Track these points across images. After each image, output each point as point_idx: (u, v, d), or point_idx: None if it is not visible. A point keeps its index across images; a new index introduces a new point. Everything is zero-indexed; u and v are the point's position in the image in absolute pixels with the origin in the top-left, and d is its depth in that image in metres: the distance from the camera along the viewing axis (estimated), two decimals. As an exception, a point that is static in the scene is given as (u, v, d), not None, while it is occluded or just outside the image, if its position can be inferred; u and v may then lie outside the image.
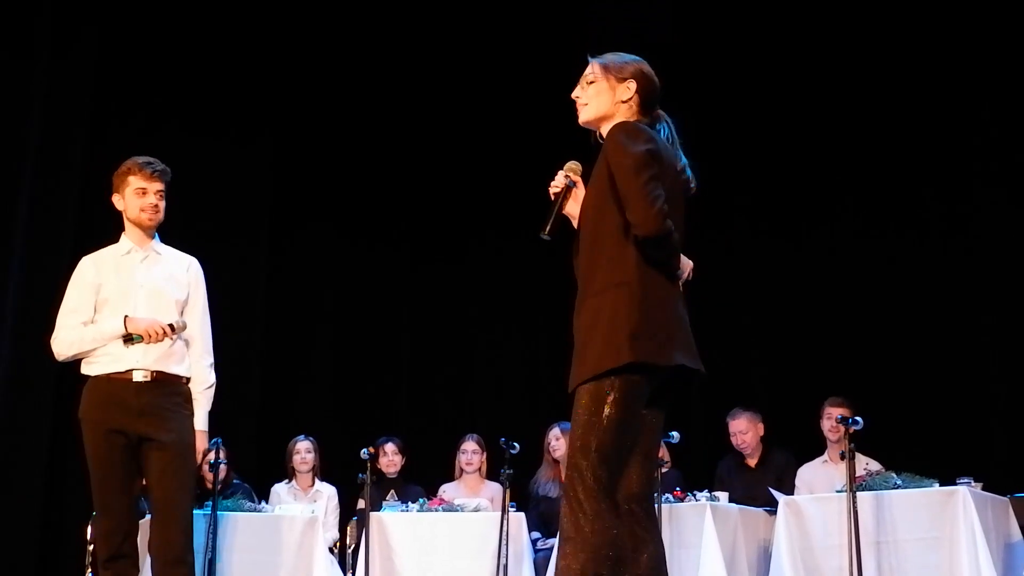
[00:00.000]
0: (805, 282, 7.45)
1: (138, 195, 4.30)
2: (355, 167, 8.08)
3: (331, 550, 6.42)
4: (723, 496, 5.51)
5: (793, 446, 6.47)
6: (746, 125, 7.68)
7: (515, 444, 5.72)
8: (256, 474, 6.90)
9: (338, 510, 6.87)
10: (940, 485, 5.03)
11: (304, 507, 5.82)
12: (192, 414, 4.28)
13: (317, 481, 6.83)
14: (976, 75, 7.06)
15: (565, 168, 3.20)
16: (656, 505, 5.11)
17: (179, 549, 4.04)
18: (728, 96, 7.70)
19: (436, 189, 8.15)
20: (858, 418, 5.02)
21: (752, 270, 7.63)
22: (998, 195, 7.02)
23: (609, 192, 2.99)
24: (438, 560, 5.63)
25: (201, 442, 4.30)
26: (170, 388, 4.23)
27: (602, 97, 3.19)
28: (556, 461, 6.66)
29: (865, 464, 5.50)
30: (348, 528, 6.65)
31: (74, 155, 7.05)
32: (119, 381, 4.17)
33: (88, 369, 4.26)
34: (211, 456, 4.41)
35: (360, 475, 5.82)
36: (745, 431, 6.45)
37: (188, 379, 4.32)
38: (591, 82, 3.21)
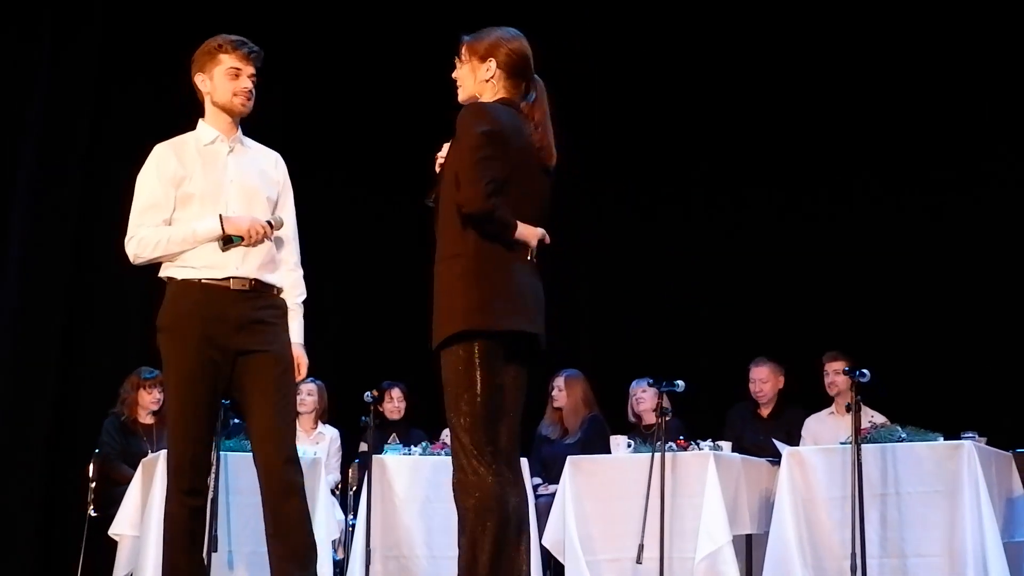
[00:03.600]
0: (810, 238, 7.44)
1: (230, 76, 3.77)
2: (363, 118, 8.02)
3: (333, 492, 6.44)
4: (726, 446, 5.51)
5: (800, 402, 6.48)
6: (745, 85, 7.62)
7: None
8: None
9: (340, 452, 6.89)
10: (945, 439, 5.02)
11: (306, 449, 5.83)
12: (287, 328, 3.83)
13: (320, 424, 6.83)
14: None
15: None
16: (660, 454, 5.20)
17: (281, 472, 3.63)
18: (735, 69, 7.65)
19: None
20: (864, 370, 5.00)
21: (762, 228, 7.63)
22: (996, 149, 6.99)
23: (454, 169, 3.17)
24: (439, 504, 5.64)
25: (304, 356, 3.88)
26: (268, 299, 3.79)
27: (468, 78, 3.31)
28: (557, 409, 6.68)
29: (870, 417, 5.49)
30: (350, 470, 6.67)
31: (80, 136, 7.01)
32: (216, 289, 3.69)
33: (174, 272, 3.74)
34: (305, 371, 3.91)
35: (363, 418, 5.81)
36: (765, 380, 6.48)
37: (280, 289, 3.86)
38: (461, 62, 3.31)
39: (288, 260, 3.90)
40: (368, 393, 5.79)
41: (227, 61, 3.77)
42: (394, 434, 6.54)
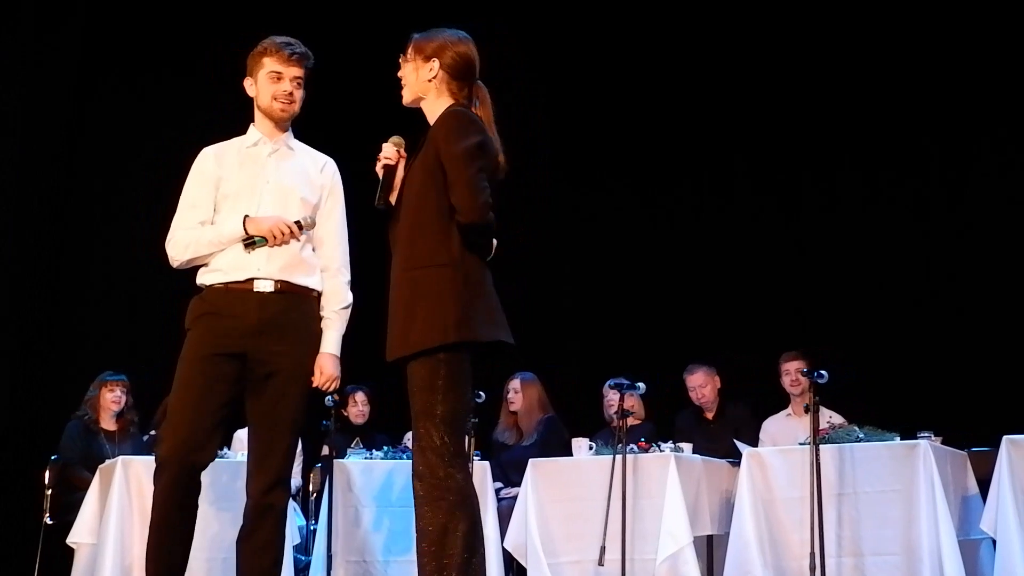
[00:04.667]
0: (766, 240, 7.52)
1: (272, 80, 3.71)
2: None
3: (294, 497, 6.40)
4: (687, 447, 5.55)
5: (751, 401, 6.54)
6: (720, 78, 7.67)
7: (480, 393, 5.71)
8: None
9: (302, 457, 6.85)
10: (901, 439, 5.09)
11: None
12: (319, 334, 3.71)
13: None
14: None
15: (393, 142, 3.31)
16: (622, 456, 5.23)
17: (266, 492, 3.58)
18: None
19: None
20: (823, 371, 5.06)
21: (712, 228, 7.71)
22: (949, 149, 7.10)
23: (434, 176, 3.14)
24: (401, 508, 5.63)
25: (331, 367, 3.70)
26: (298, 302, 3.66)
27: (411, 77, 3.30)
28: (512, 413, 6.69)
29: (828, 417, 5.55)
30: (311, 475, 6.64)
31: (57, 135, 6.96)
32: (238, 292, 3.61)
33: (203, 278, 3.69)
34: (336, 386, 3.74)
35: (324, 422, 5.79)
36: (703, 385, 6.52)
37: (319, 294, 3.74)
38: (405, 61, 3.31)
39: (330, 265, 3.78)
40: (329, 397, 5.75)
41: (269, 64, 3.72)
42: (357, 439, 6.53)
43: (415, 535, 3.15)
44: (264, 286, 3.62)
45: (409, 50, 3.33)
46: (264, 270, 3.63)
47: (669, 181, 7.90)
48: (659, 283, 7.67)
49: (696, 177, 7.85)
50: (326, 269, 3.77)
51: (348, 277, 3.83)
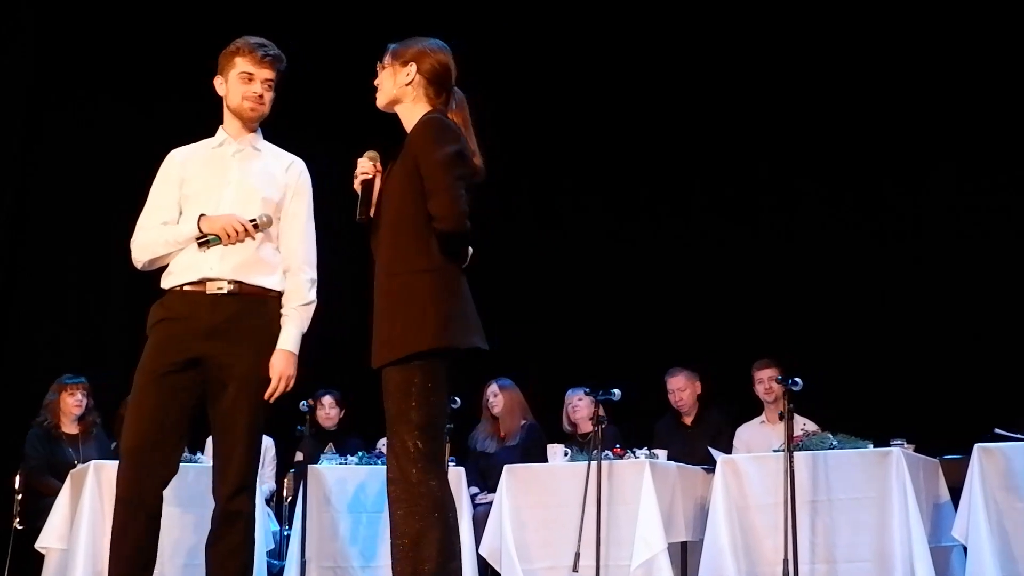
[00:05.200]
0: (740, 248, 7.57)
1: (243, 80, 3.66)
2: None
3: (268, 502, 6.38)
4: (662, 454, 5.56)
5: (729, 408, 6.56)
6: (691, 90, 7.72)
7: (456, 398, 5.70)
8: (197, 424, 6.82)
9: (275, 462, 6.83)
10: (874, 447, 5.12)
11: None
12: (274, 335, 3.60)
13: (255, 433, 6.75)
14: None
15: (368, 156, 3.33)
16: (597, 462, 5.24)
17: (227, 500, 3.52)
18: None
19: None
20: (797, 379, 5.08)
21: (684, 238, 7.76)
22: (927, 163, 7.16)
23: (413, 183, 3.16)
24: (376, 513, 5.61)
25: (284, 364, 3.57)
26: (254, 304, 3.58)
27: (388, 82, 3.33)
28: (494, 417, 6.69)
29: (802, 425, 5.58)
30: (285, 480, 6.61)
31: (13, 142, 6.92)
32: (191, 295, 3.54)
33: (164, 282, 3.63)
34: (291, 384, 3.61)
35: (299, 427, 5.77)
36: (683, 388, 6.53)
37: (279, 294, 3.64)
38: (382, 67, 3.34)
39: (292, 264, 3.69)
40: (304, 402, 5.75)
41: (241, 64, 3.67)
42: (331, 444, 6.50)
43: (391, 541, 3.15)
44: (217, 287, 3.55)
45: (386, 57, 3.35)
46: (217, 270, 3.56)
47: (641, 190, 7.94)
48: (630, 292, 7.69)
49: (667, 186, 7.88)
50: (288, 268, 3.69)
51: (311, 276, 3.73)
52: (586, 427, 6.36)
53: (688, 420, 6.60)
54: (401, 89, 3.31)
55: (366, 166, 3.32)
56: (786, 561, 4.81)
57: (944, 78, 7.07)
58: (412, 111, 3.32)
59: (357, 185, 3.31)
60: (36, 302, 7.29)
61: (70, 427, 6.24)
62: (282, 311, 3.65)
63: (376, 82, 3.37)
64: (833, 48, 7.36)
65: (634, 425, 6.58)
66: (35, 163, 7.35)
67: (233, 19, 7.13)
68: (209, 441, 6.42)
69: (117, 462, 3.61)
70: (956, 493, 5.11)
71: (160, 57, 7.36)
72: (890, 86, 7.23)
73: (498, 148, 7.35)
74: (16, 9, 7.16)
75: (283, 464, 6.80)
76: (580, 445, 5.88)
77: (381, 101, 3.36)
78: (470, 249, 3.30)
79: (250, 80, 3.68)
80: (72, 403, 6.18)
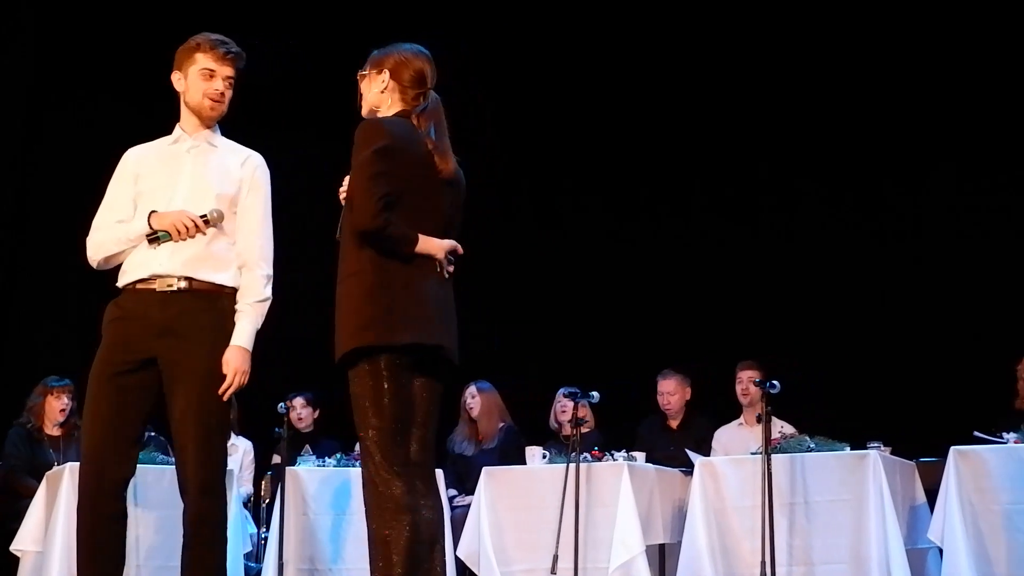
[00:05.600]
0: (722, 252, 7.60)
1: (204, 77, 3.60)
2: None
3: (245, 505, 6.35)
4: (640, 456, 5.57)
5: (709, 410, 6.58)
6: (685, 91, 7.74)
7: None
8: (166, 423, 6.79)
9: (253, 465, 6.80)
10: (851, 449, 5.14)
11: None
12: (228, 332, 3.53)
13: (233, 435, 6.73)
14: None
15: None
16: (575, 464, 5.24)
17: (190, 504, 3.48)
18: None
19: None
20: (775, 381, 5.10)
21: (669, 241, 7.77)
22: (901, 167, 7.22)
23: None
24: (353, 515, 5.60)
25: (237, 360, 3.49)
26: (206, 300, 3.52)
27: (367, 90, 3.36)
28: (472, 420, 6.68)
29: (780, 427, 5.60)
30: (263, 483, 6.59)
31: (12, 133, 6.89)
32: (142, 292, 3.49)
33: (119, 280, 3.57)
34: (245, 380, 3.53)
35: (276, 429, 5.75)
36: (673, 392, 6.54)
37: (233, 290, 3.58)
38: (363, 76, 3.37)
39: (247, 260, 3.62)
40: (282, 404, 5.74)
41: (202, 61, 3.62)
42: (307, 445, 6.48)
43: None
44: (167, 284, 3.50)
45: (367, 65, 3.38)
46: (166, 266, 3.50)
47: (640, 191, 7.95)
48: (623, 292, 7.70)
49: (654, 189, 7.89)
50: (244, 264, 3.62)
51: (267, 271, 3.65)
52: (569, 429, 6.33)
53: (674, 424, 6.61)
54: (377, 96, 3.33)
55: (348, 183, 3.31)
56: (763, 563, 4.83)
57: (942, 77, 7.09)
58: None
59: (343, 200, 3.31)
60: (36, 302, 7.27)
61: (53, 429, 6.20)
62: (236, 307, 3.60)
63: (362, 90, 3.39)
64: (831, 48, 7.35)
65: (625, 427, 6.60)
66: (35, 163, 7.33)
67: (232, 19, 7.16)
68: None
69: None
70: (932, 495, 5.15)
71: (160, 57, 7.32)
72: (882, 85, 7.24)
73: (498, 148, 7.47)
74: (16, 9, 7.15)
75: (261, 467, 6.77)
76: (563, 445, 5.88)
77: (364, 109, 3.38)
78: (439, 242, 3.22)
79: (211, 77, 3.63)
80: (57, 406, 6.15)
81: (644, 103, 7.77)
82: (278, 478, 5.77)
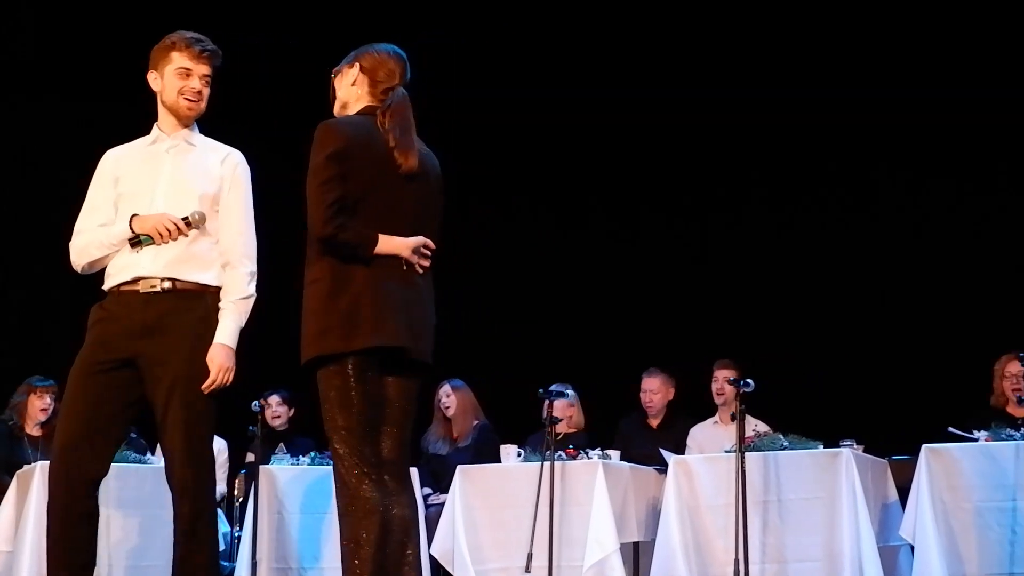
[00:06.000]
0: (699, 253, 7.64)
1: (180, 76, 3.59)
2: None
3: (219, 504, 6.32)
4: (615, 454, 5.58)
5: (688, 410, 6.60)
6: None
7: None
8: (147, 425, 6.75)
9: (227, 463, 6.77)
10: (824, 447, 5.17)
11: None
12: (211, 331, 3.54)
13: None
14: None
15: None
16: (550, 462, 5.24)
17: (177, 502, 3.48)
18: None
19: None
20: (749, 380, 5.12)
21: (654, 242, 7.80)
22: (877, 167, 7.25)
23: None
24: (327, 514, 5.58)
25: (221, 358, 3.51)
26: (189, 300, 3.53)
27: (340, 85, 3.38)
28: (447, 418, 6.67)
29: (754, 426, 5.62)
30: (236, 482, 6.55)
31: None
32: (126, 294, 3.50)
33: (104, 283, 3.58)
34: (229, 378, 3.56)
35: (250, 428, 5.73)
36: (656, 391, 6.56)
37: (217, 289, 3.59)
38: (336, 74, 3.39)
39: (230, 258, 3.62)
40: (256, 402, 5.71)
41: (177, 60, 3.61)
42: (281, 444, 6.46)
43: None
44: (150, 285, 3.50)
45: (342, 63, 3.40)
46: (150, 268, 3.51)
47: (613, 194, 7.97)
48: (599, 294, 7.72)
49: (638, 189, 7.90)
50: (227, 262, 3.63)
51: (250, 269, 3.66)
52: (562, 426, 6.30)
53: (654, 423, 6.63)
54: (348, 90, 3.35)
55: None
56: (737, 561, 4.84)
57: (909, 75, 7.15)
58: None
59: None
60: (26, 303, 7.26)
61: (34, 429, 6.18)
62: (220, 305, 3.60)
63: (336, 86, 3.40)
64: (799, 48, 7.40)
65: (608, 426, 6.60)
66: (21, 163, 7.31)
67: (231, 19, 7.16)
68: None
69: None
70: (904, 493, 5.18)
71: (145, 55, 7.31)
72: (855, 82, 7.28)
73: (479, 146, 7.45)
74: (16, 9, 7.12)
75: (234, 465, 6.74)
76: (556, 443, 5.84)
77: (335, 107, 3.39)
78: (414, 240, 3.21)
79: (188, 76, 3.62)
80: (39, 406, 6.13)
81: (629, 100, 7.77)
82: (252, 477, 5.75)
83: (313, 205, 3.12)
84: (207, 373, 3.51)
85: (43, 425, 6.18)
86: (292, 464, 5.79)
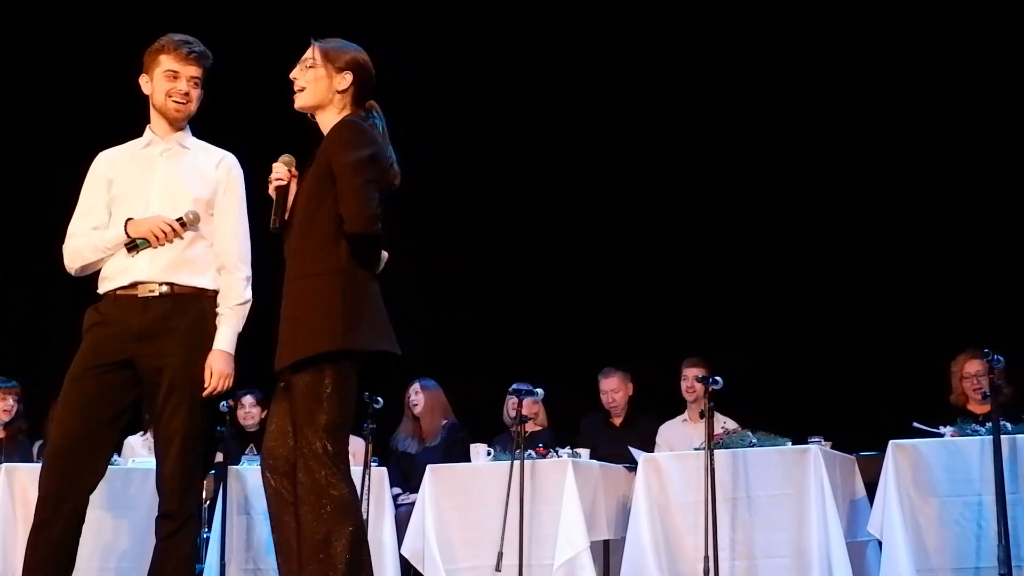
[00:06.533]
0: (667, 249, 7.65)
1: (168, 79, 3.61)
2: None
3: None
4: (585, 453, 5.59)
5: (654, 408, 6.62)
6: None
7: (378, 399, 5.68)
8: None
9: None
10: (793, 444, 5.20)
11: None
12: (213, 336, 3.56)
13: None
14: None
15: (283, 161, 3.31)
16: (520, 461, 5.25)
17: (166, 501, 3.49)
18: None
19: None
20: (717, 378, 5.14)
21: (616, 240, 7.82)
22: (845, 168, 7.31)
23: (326, 185, 3.15)
24: (297, 515, 5.55)
25: (220, 364, 3.54)
26: (186, 304, 3.55)
27: (320, 84, 3.27)
28: (416, 417, 6.66)
29: (723, 423, 5.65)
30: (205, 482, 6.49)
31: None
32: (124, 298, 3.52)
33: (99, 287, 3.60)
34: (228, 383, 3.59)
35: (219, 428, 5.68)
36: (616, 389, 6.57)
37: (214, 293, 3.61)
38: (310, 67, 3.28)
39: (226, 262, 3.63)
40: (224, 403, 5.66)
41: (165, 63, 3.63)
42: (251, 445, 6.42)
43: (296, 542, 3.13)
44: (148, 290, 3.52)
45: (316, 56, 3.29)
46: (147, 272, 3.53)
47: (575, 194, 7.97)
48: (563, 293, 7.71)
49: (600, 189, 7.91)
50: (222, 266, 3.64)
51: (246, 273, 3.68)
52: (526, 426, 6.31)
53: (618, 421, 6.64)
54: (332, 94, 3.28)
55: (281, 171, 3.29)
56: (707, 558, 4.87)
57: (873, 87, 7.21)
58: (335, 117, 3.28)
59: (273, 191, 3.29)
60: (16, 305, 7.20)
61: None
62: (217, 311, 3.61)
63: (294, 76, 3.30)
64: (769, 54, 7.45)
65: (572, 425, 6.61)
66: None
67: (231, 18, 7.11)
68: (127, 442, 6.37)
69: (31, 465, 3.55)
70: (872, 489, 5.23)
71: (101, 56, 7.24)
72: (818, 85, 7.32)
73: (444, 151, 7.42)
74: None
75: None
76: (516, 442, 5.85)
77: (306, 101, 3.29)
78: (384, 254, 3.29)
79: (175, 78, 3.64)
80: (2, 408, 6.06)
81: (589, 104, 7.78)
82: (220, 477, 5.71)
83: (358, 199, 3.09)
84: (203, 376, 3.53)
85: (6, 426, 6.12)
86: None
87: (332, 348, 3.09)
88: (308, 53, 3.30)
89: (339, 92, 3.28)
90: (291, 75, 3.32)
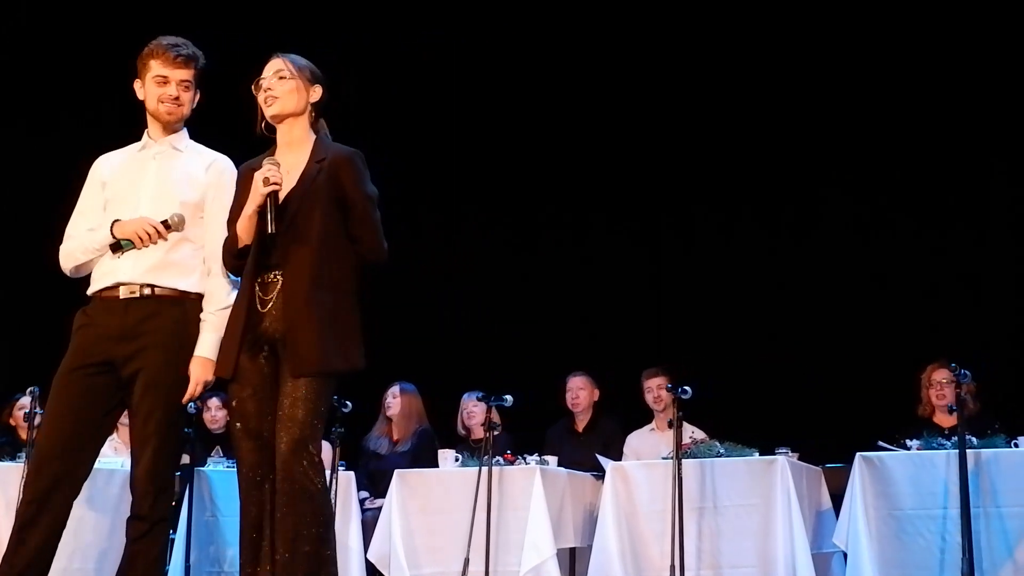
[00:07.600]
0: (629, 258, 7.68)
1: (158, 83, 3.63)
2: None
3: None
4: (552, 460, 5.59)
5: (619, 416, 6.63)
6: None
7: (347, 402, 5.65)
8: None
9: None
10: (760, 455, 5.22)
11: (126, 461, 5.62)
12: (194, 339, 3.53)
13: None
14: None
15: (274, 163, 3.38)
16: (488, 468, 5.24)
17: (138, 502, 3.48)
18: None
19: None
20: (687, 387, 5.16)
21: (577, 248, 7.85)
22: (803, 174, 7.37)
23: (340, 206, 3.36)
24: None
25: (203, 372, 3.50)
26: (167, 306, 3.53)
27: (295, 95, 3.44)
28: (389, 419, 6.65)
29: (691, 433, 5.66)
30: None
31: None
32: (107, 300, 3.53)
33: (89, 289, 3.61)
34: (203, 389, 3.56)
35: (186, 429, 5.63)
36: (582, 388, 6.59)
37: (198, 296, 3.58)
38: (284, 78, 3.43)
39: (212, 266, 3.60)
40: (192, 404, 5.61)
41: (155, 68, 3.64)
42: (218, 447, 6.38)
43: (263, 536, 3.31)
44: (129, 291, 3.52)
45: (290, 68, 3.43)
46: (129, 274, 3.53)
47: (537, 203, 7.97)
48: (524, 302, 7.72)
49: (561, 199, 7.92)
50: (210, 270, 3.62)
51: (232, 278, 3.63)
52: (480, 432, 6.34)
53: (580, 427, 6.64)
54: (307, 106, 3.46)
55: (277, 176, 3.32)
56: (673, 567, 4.89)
57: (824, 93, 7.27)
58: (301, 130, 3.45)
59: (264, 195, 3.31)
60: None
61: None
62: (201, 315, 3.60)
63: (275, 88, 3.40)
64: (732, 62, 7.50)
65: (531, 433, 6.60)
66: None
67: (227, 18, 7.07)
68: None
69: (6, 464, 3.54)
70: (838, 500, 5.25)
71: (97, 65, 7.22)
72: (784, 99, 7.39)
73: (403, 158, 7.41)
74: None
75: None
76: (472, 450, 5.88)
77: (281, 109, 3.43)
78: None
79: (164, 83, 3.65)
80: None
81: (551, 111, 7.80)
82: (187, 479, 5.67)
83: (379, 233, 3.39)
84: (182, 379, 3.52)
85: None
86: (228, 467, 5.73)
87: (346, 368, 3.36)
88: (280, 64, 3.44)
89: (312, 104, 3.45)
90: (266, 85, 3.43)
